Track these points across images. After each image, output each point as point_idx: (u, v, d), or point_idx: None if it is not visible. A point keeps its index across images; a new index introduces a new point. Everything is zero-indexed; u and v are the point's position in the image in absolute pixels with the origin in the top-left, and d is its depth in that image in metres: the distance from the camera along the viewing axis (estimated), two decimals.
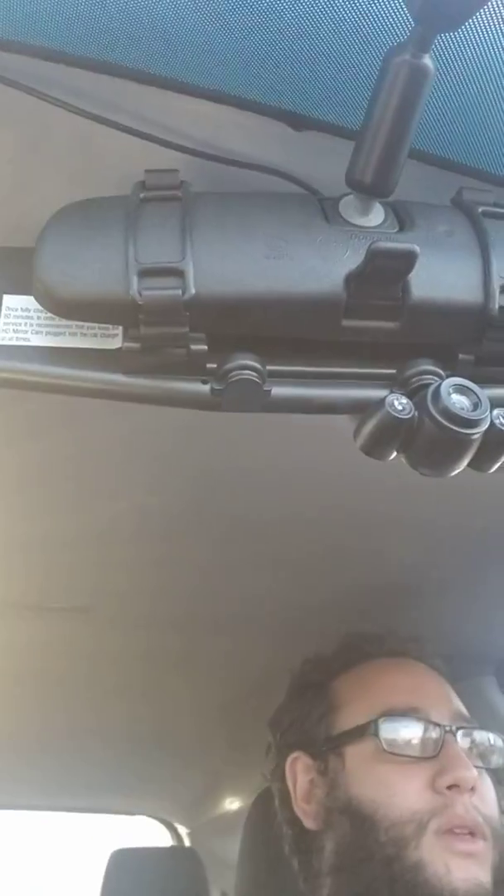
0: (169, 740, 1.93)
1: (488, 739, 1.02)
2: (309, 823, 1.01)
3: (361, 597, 1.35)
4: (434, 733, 0.98)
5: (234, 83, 0.58)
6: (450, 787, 0.93)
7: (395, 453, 0.54)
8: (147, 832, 2.53)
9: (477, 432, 0.51)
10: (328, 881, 0.97)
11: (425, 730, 0.98)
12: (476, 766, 0.97)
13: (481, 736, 1.02)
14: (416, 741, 0.97)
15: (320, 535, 1.21)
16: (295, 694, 1.11)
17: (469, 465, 0.54)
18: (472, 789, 0.94)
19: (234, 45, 0.56)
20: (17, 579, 1.29)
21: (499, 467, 0.55)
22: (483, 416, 0.51)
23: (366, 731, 0.99)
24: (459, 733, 0.99)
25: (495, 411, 0.52)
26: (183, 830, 2.47)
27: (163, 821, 2.51)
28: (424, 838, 0.90)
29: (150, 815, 2.53)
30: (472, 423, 0.51)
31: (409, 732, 0.98)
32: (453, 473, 0.54)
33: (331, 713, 1.05)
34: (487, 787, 0.99)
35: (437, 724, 0.98)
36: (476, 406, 0.52)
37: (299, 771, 1.04)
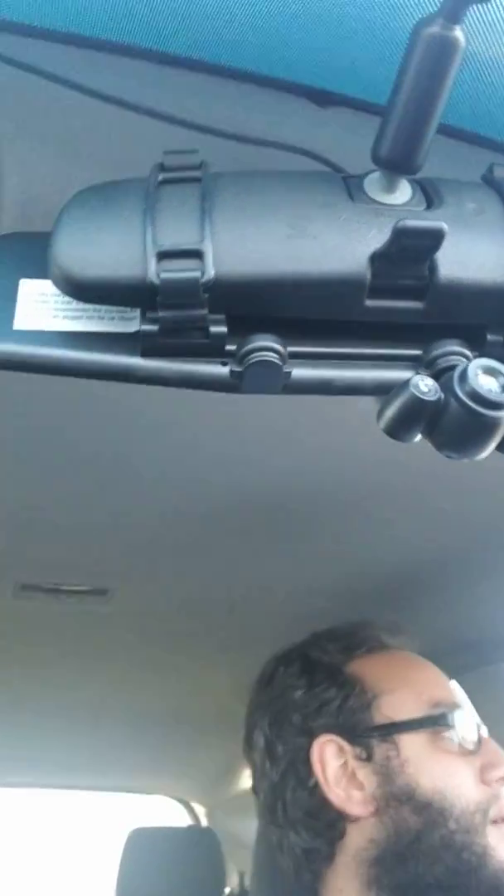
0: (187, 720, 1.94)
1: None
2: (353, 809, 1.00)
3: (374, 582, 1.35)
4: (479, 729, 1.03)
5: (255, 60, 0.57)
6: (497, 780, 0.99)
7: (419, 436, 0.53)
8: (165, 812, 2.55)
9: None
10: (365, 869, 0.98)
11: (476, 725, 1.03)
12: None
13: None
14: (471, 735, 1.02)
15: (334, 519, 1.20)
16: (306, 672, 1.09)
17: (497, 448, 0.53)
18: None
19: (255, 20, 0.54)
20: (36, 563, 1.29)
21: None
22: None
23: (427, 722, 1.01)
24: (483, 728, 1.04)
25: None
26: (200, 810, 2.49)
27: (180, 800, 2.53)
28: (487, 827, 0.97)
29: (167, 795, 2.55)
30: (501, 406, 0.50)
31: (467, 727, 1.03)
32: (480, 457, 0.53)
33: (374, 701, 1.04)
34: None
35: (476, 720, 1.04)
36: None
37: (329, 755, 1.03)
